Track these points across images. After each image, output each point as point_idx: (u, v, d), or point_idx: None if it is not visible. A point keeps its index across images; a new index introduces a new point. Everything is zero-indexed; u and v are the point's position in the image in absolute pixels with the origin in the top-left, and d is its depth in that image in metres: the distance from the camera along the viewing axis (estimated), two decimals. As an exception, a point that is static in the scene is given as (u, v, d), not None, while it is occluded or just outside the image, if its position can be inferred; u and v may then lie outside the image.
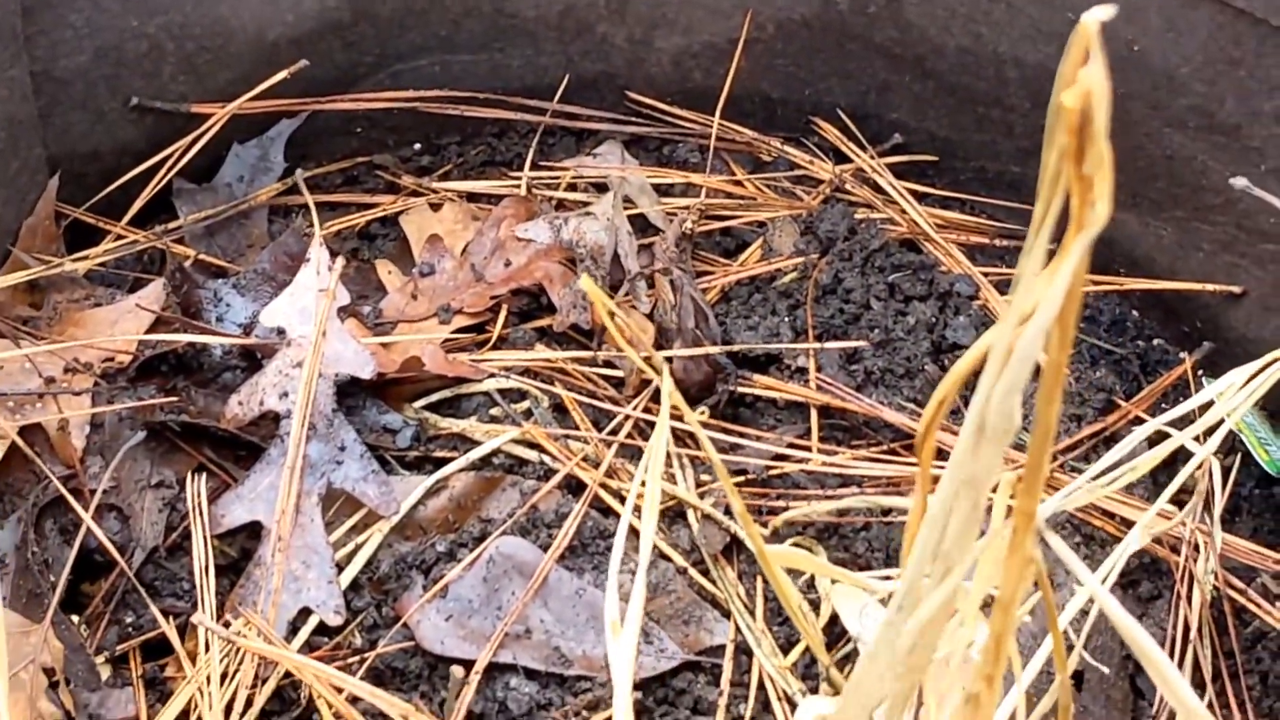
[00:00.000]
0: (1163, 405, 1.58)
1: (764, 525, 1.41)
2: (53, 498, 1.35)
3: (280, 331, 1.49)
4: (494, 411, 1.51)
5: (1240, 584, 1.39)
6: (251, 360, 1.49)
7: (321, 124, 1.75)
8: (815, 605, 1.36)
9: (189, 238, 1.65)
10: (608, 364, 1.56)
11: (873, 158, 1.79)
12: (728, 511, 1.42)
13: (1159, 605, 1.39)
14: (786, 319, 1.60)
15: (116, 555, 1.33)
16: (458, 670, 1.21)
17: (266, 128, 1.72)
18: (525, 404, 1.52)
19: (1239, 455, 1.50)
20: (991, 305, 1.64)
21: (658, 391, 1.50)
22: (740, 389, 1.54)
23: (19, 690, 1.20)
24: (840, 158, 1.82)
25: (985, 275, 1.67)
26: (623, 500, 1.42)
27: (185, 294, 1.52)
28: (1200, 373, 1.61)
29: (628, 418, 1.50)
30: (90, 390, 1.42)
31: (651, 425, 1.49)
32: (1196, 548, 1.39)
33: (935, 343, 1.59)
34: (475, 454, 1.46)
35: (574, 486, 1.45)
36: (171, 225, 1.66)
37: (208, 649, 1.28)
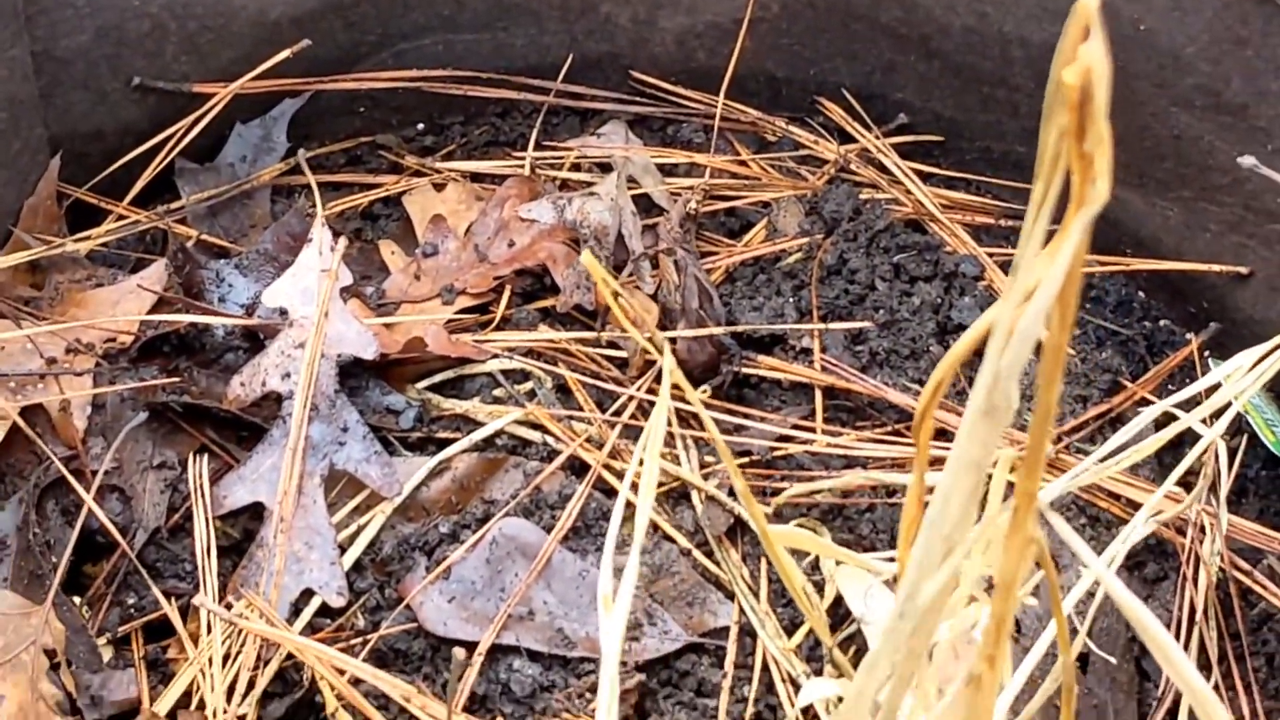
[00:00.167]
0: (1169, 386, 1.57)
1: (767, 506, 1.41)
2: (54, 479, 1.35)
3: (283, 312, 1.48)
4: (497, 392, 1.51)
5: (1246, 566, 1.39)
6: (254, 341, 1.49)
7: (324, 104, 1.75)
8: (820, 587, 1.35)
9: (191, 218, 1.65)
10: (611, 345, 1.56)
11: (878, 138, 1.78)
12: (732, 493, 1.41)
13: (1165, 587, 1.39)
14: (791, 299, 1.59)
15: (118, 536, 1.33)
16: (460, 652, 1.20)
17: (269, 107, 1.72)
18: (528, 385, 1.52)
19: (1245, 437, 1.50)
20: (997, 286, 1.63)
21: (662, 372, 1.50)
22: (744, 370, 1.53)
23: (20, 671, 1.19)
24: (845, 138, 1.81)
25: (990, 256, 1.66)
26: (626, 481, 1.42)
27: (187, 274, 1.51)
28: (1207, 354, 1.60)
29: (631, 399, 1.50)
30: (92, 371, 1.42)
31: (655, 406, 1.49)
32: (1203, 529, 1.38)
33: (940, 323, 1.58)
34: (478, 435, 1.45)
35: (577, 468, 1.44)
36: (174, 205, 1.66)
37: (210, 630, 1.27)
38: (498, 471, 1.43)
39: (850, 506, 1.42)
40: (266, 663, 1.27)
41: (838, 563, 1.33)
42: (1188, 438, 1.31)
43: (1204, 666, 1.33)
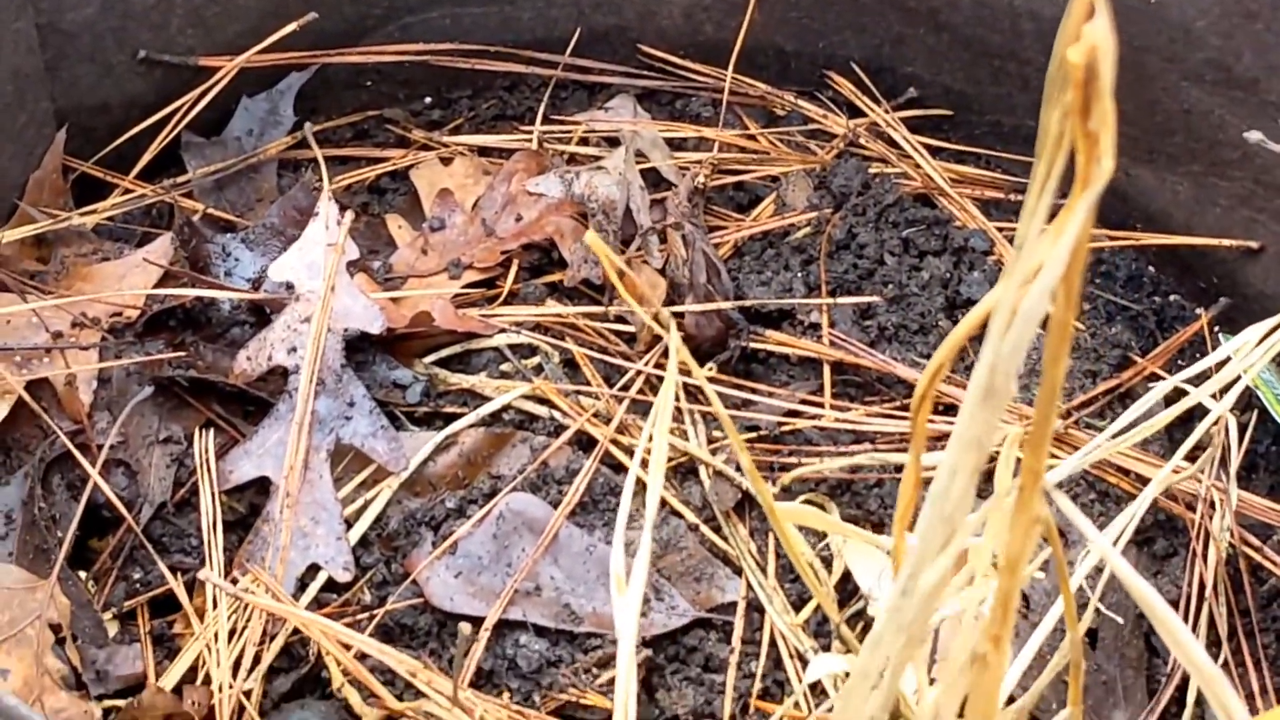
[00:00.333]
0: (1179, 361, 1.57)
1: (774, 482, 1.40)
2: (60, 453, 1.35)
3: (289, 286, 1.48)
4: (504, 367, 1.51)
5: (1256, 541, 1.38)
6: (260, 315, 1.48)
7: (331, 77, 1.74)
8: (827, 562, 1.35)
9: (197, 192, 1.64)
10: (619, 319, 1.55)
11: (887, 112, 1.77)
12: (739, 468, 1.41)
13: (1174, 563, 1.39)
14: (799, 274, 1.59)
15: (124, 511, 1.33)
16: (467, 627, 1.20)
17: (275, 81, 1.71)
18: (536, 359, 1.51)
19: (1255, 412, 1.49)
20: (1006, 260, 1.62)
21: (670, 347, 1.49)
22: (752, 345, 1.53)
23: (25, 646, 1.19)
24: (854, 112, 1.80)
25: (1000, 230, 1.66)
26: (634, 456, 1.42)
27: (193, 248, 1.51)
28: (1217, 329, 1.59)
29: (639, 373, 1.49)
30: (98, 345, 1.42)
31: (663, 381, 1.48)
32: (1212, 505, 1.38)
33: (949, 298, 1.58)
34: (485, 410, 1.45)
35: (584, 443, 1.44)
36: (180, 179, 1.65)
37: (215, 605, 1.28)
38: (505, 446, 1.42)
39: (859, 482, 1.42)
40: (272, 638, 1.26)
41: (845, 538, 1.33)
42: (1198, 413, 1.30)
43: (1213, 643, 1.33)
